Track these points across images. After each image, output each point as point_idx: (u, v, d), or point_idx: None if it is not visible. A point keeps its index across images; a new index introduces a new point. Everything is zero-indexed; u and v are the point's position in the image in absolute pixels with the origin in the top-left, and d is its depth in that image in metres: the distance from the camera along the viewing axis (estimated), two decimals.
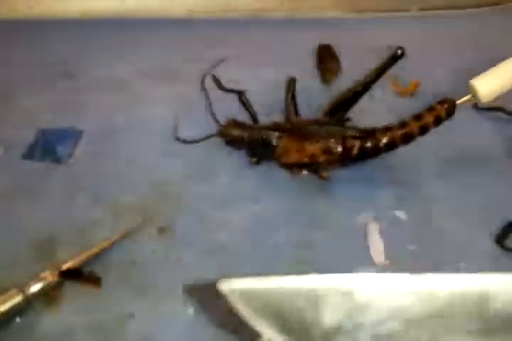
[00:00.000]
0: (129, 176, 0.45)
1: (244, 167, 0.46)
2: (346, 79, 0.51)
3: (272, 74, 0.53)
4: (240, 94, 0.49)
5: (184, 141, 0.47)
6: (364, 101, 0.46)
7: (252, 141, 0.45)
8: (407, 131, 0.43)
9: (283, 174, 0.45)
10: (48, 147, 0.47)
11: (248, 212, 0.43)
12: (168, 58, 0.56)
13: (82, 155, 0.47)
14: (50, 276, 0.36)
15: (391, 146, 0.44)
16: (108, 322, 0.36)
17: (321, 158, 0.44)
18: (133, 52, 0.58)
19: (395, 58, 0.43)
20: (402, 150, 0.44)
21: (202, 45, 0.57)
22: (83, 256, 0.38)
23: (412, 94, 0.55)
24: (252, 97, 0.48)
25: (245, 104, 0.48)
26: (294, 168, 0.46)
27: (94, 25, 0.60)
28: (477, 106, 0.52)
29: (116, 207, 0.43)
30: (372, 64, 0.44)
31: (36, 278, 0.36)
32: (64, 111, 0.51)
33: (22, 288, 0.35)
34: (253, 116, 0.48)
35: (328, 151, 0.44)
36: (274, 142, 0.45)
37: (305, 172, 0.46)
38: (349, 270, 0.37)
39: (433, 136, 0.44)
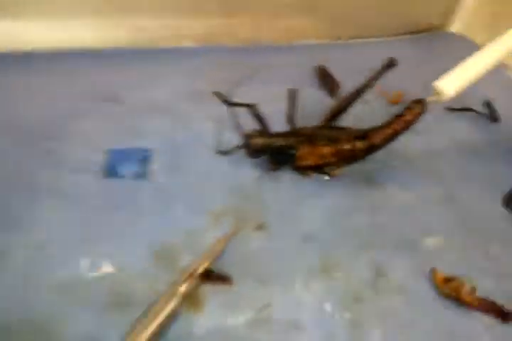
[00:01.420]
0: (209, 185, 0.49)
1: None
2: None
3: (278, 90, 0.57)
4: (252, 107, 0.52)
5: (221, 153, 0.52)
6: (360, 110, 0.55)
7: (276, 148, 0.50)
8: (395, 129, 0.51)
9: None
10: (113, 167, 0.48)
11: (317, 204, 0.49)
12: (195, 82, 0.59)
13: (158, 170, 0.49)
14: (190, 280, 0.39)
15: (385, 143, 0.51)
16: (252, 313, 0.39)
17: (332, 159, 0.51)
18: (163, 79, 0.61)
19: (388, 67, 0.52)
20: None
21: (219, 71, 0.62)
22: (209, 259, 0.41)
23: (399, 102, 0.64)
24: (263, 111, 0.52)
25: (257, 116, 0.52)
26: (307, 170, 0.52)
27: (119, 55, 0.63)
28: (450, 108, 0.64)
29: (215, 213, 0.46)
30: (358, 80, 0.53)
31: (180, 283, 0.39)
32: (122, 133, 0.52)
33: (172, 294, 0.38)
34: (265, 127, 0.52)
35: (338, 153, 0.51)
36: (295, 147, 0.50)
37: (314, 173, 0.53)
38: None
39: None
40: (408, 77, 0.62)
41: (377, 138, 0.51)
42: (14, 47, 0.60)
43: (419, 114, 0.50)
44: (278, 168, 0.52)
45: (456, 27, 0.84)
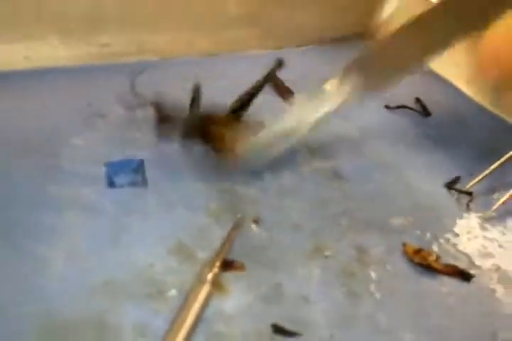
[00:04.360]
0: (204, 186, 0.54)
1: None
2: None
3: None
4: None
5: None
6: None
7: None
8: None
9: None
10: (110, 178, 0.52)
11: (297, 198, 0.56)
12: None
13: (155, 177, 0.54)
14: (215, 269, 0.44)
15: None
16: (267, 292, 0.45)
17: None
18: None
19: (278, 66, 0.61)
20: None
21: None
22: (223, 252, 0.47)
23: None
24: None
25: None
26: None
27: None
28: (387, 107, 0.73)
29: (214, 212, 0.51)
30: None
31: (206, 273, 0.44)
32: (113, 146, 0.56)
33: (203, 281, 0.43)
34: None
35: None
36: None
37: None
38: None
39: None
40: None
41: None
42: None
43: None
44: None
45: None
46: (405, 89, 0.73)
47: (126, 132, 0.58)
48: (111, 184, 0.51)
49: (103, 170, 0.52)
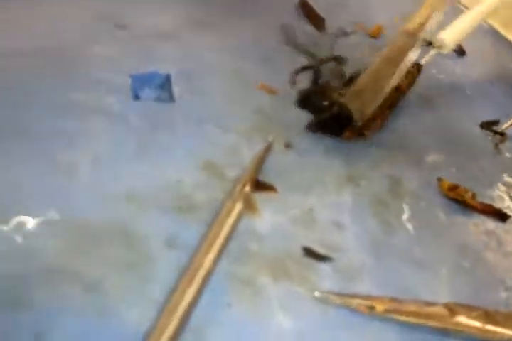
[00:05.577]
0: (235, 106, 0.51)
1: None
2: (332, 26, 0.64)
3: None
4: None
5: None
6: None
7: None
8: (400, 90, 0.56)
9: None
10: (135, 92, 0.49)
11: None
12: (192, 12, 0.60)
13: (183, 93, 0.50)
14: (246, 188, 0.42)
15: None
16: (299, 215, 0.43)
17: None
18: (161, 7, 0.60)
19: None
20: None
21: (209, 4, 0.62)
22: (254, 171, 0.44)
23: (378, 35, 0.70)
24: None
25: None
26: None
27: None
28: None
29: (244, 132, 0.48)
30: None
31: (238, 190, 0.42)
32: (137, 58, 0.52)
33: (236, 198, 0.41)
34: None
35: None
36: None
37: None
38: None
39: None
40: (380, 11, 0.66)
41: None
42: None
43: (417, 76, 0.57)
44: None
45: None
46: None
47: (150, 45, 0.54)
48: (136, 97, 0.48)
49: (128, 80, 0.49)
